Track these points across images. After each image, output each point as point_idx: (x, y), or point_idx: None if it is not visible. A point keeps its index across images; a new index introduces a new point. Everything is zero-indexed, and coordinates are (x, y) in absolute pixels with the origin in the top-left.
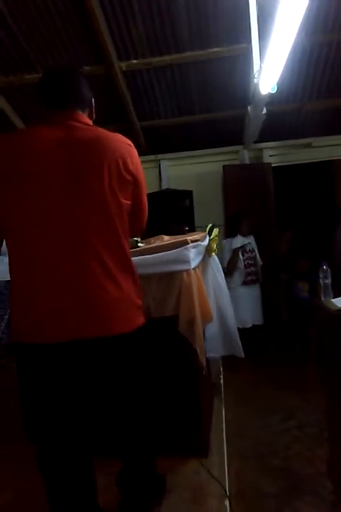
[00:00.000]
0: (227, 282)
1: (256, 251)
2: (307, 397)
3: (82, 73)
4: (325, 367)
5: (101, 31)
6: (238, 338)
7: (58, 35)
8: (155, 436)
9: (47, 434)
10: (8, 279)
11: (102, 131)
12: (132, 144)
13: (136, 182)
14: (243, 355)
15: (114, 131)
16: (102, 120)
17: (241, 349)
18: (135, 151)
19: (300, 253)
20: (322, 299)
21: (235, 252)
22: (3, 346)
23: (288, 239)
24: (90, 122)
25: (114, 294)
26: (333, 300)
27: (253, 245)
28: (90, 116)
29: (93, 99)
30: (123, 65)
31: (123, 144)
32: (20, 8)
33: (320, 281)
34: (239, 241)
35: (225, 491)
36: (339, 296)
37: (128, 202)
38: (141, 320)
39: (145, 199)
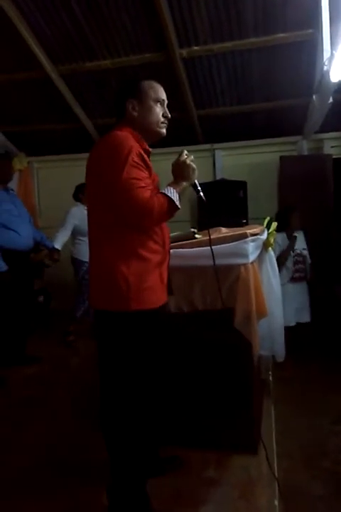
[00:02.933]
0: None
1: (306, 248)
2: None
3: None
4: None
5: (165, 18)
6: (282, 341)
7: (121, 22)
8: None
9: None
10: None
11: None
12: (110, 138)
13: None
14: (282, 359)
15: (169, 120)
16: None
17: (284, 352)
18: (106, 147)
19: None
20: None
21: (289, 247)
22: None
23: None
24: (125, 128)
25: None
26: None
27: (302, 241)
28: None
29: (127, 100)
30: (185, 52)
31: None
32: None
33: None
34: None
35: (278, 485)
36: None
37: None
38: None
39: (114, 200)
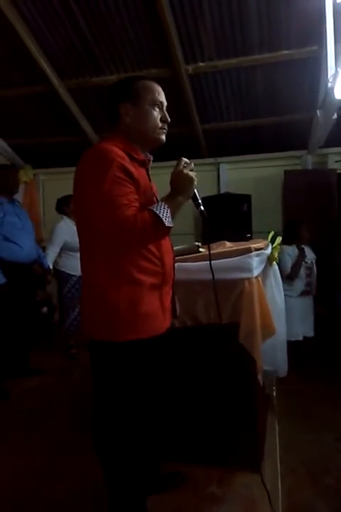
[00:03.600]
0: (285, 290)
1: (314, 262)
2: None
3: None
4: None
5: (171, 34)
6: (285, 356)
7: (127, 38)
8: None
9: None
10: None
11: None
12: (91, 152)
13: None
14: (285, 374)
15: (174, 134)
16: (169, 123)
17: (286, 367)
18: (87, 161)
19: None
20: None
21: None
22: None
23: None
24: (115, 137)
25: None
26: None
27: (311, 256)
28: (117, 125)
29: (120, 104)
30: (190, 68)
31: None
32: (93, 12)
33: None
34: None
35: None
36: None
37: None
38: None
39: (94, 219)
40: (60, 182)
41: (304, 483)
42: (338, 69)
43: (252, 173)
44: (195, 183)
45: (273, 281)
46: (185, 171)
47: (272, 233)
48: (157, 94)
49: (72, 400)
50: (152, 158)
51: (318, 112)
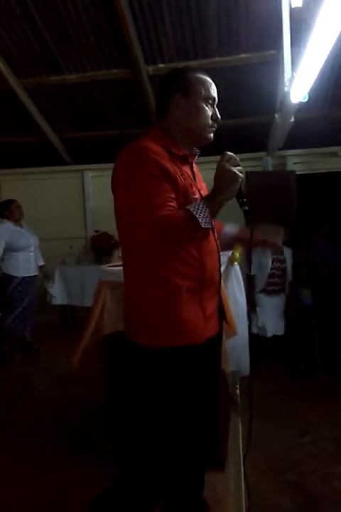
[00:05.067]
0: None
1: (289, 265)
2: (322, 412)
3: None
4: None
5: (130, 36)
6: (247, 356)
7: (87, 39)
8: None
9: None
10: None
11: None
12: (126, 150)
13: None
14: (247, 374)
15: (138, 135)
16: (128, 123)
17: (248, 367)
18: (120, 160)
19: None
20: None
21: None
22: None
23: (327, 232)
24: (153, 132)
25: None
26: None
27: (288, 258)
28: (164, 117)
29: (172, 95)
30: (151, 69)
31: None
32: (52, 14)
33: None
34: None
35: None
36: None
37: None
38: (141, 339)
39: (127, 219)
40: (19, 182)
41: (267, 480)
42: (294, 73)
43: (213, 174)
44: (241, 180)
45: (235, 282)
46: (228, 166)
47: None
48: (211, 90)
49: (34, 407)
50: (199, 153)
51: (276, 115)
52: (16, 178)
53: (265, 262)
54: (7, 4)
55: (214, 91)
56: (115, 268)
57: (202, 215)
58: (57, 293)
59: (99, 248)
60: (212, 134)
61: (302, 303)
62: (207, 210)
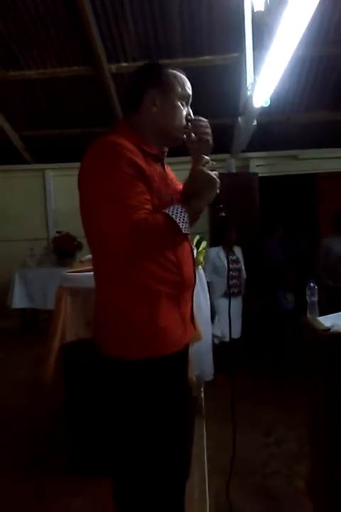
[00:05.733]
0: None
1: (242, 264)
2: (286, 412)
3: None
4: (309, 386)
5: (92, 33)
6: (211, 360)
7: (47, 35)
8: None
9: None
10: None
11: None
12: (95, 146)
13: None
14: (211, 378)
15: (101, 133)
16: (90, 122)
17: (212, 371)
18: (89, 157)
19: (288, 264)
20: (309, 316)
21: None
22: None
23: (281, 234)
24: (122, 128)
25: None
26: (319, 318)
27: (240, 257)
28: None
29: (147, 90)
30: (114, 67)
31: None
32: (10, 9)
33: (307, 298)
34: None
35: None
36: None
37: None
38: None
39: (99, 222)
40: None
41: (231, 484)
42: (256, 78)
43: (176, 176)
44: (218, 185)
45: (199, 286)
46: (206, 170)
47: (197, 237)
48: (187, 88)
49: None
50: (167, 150)
51: (239, 118)
52: None
53: (219, 264)
54: None
55: (189, 89)
56: (75, 274)
57: (181, 220)
58: (17, 296)
59: (62, 249)
60: (184, 136)
61: (285, 307)
62: (186, 214)
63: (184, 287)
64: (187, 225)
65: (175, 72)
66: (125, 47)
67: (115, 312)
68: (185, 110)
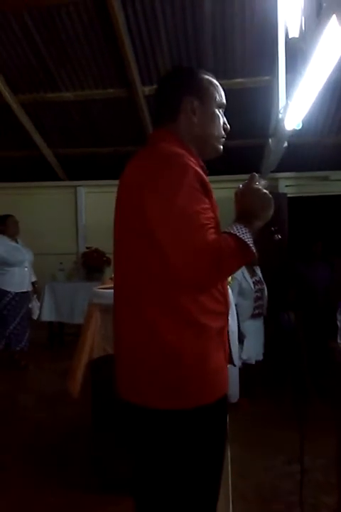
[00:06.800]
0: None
1: (264, 284)
2: (310, 439)
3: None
4: (338, 413)
5: (127, 56)
6: (237, 381)
7: (84, 57)
8: None
9: None
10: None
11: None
12: (154, 156)
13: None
14: (236, 400)
15: (133, 152)
16: (122, 141)
17: (237, 393)
18: (147, 168)
19: (288, 283)
20: (339, 341)
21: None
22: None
23: (320, 250)
24: (170, 138)
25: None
26: None
27: (262, 277)
28: (172, 122)
29: (185, 98)
30: (147, 89)
31: (133, 166)
32: (50, 30)
33: (338, 322)
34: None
35: None
36: None
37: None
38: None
39: (163, 241)
40: (11, 196)
41: (255, 510)
42: (288, 101)
43: None
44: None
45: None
46: (262, 189)
47: None
48: (223, 96)
49: None
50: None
51: (270, 139)
52: (9, 192)
53: (245, 285)
54: (6, 20)
55: (224, 97)
56: (105, 290)
57: (248, 239)
58: (46, 309)
59: (91, 265)
60: (222, 146)
61: (288, 328)
62: (249, 234)
63: (227, 318)
64: (253, 245)
65: (209, 78)
66: (159, 69)
67: (160, 352)
68: (223, 119)
